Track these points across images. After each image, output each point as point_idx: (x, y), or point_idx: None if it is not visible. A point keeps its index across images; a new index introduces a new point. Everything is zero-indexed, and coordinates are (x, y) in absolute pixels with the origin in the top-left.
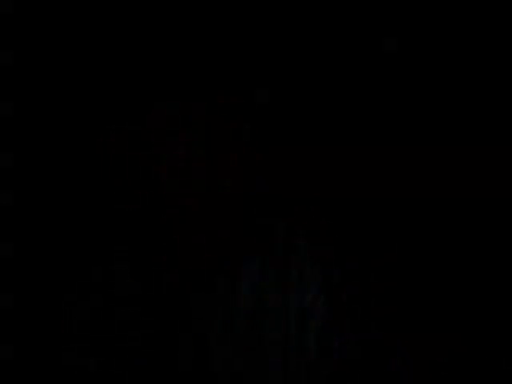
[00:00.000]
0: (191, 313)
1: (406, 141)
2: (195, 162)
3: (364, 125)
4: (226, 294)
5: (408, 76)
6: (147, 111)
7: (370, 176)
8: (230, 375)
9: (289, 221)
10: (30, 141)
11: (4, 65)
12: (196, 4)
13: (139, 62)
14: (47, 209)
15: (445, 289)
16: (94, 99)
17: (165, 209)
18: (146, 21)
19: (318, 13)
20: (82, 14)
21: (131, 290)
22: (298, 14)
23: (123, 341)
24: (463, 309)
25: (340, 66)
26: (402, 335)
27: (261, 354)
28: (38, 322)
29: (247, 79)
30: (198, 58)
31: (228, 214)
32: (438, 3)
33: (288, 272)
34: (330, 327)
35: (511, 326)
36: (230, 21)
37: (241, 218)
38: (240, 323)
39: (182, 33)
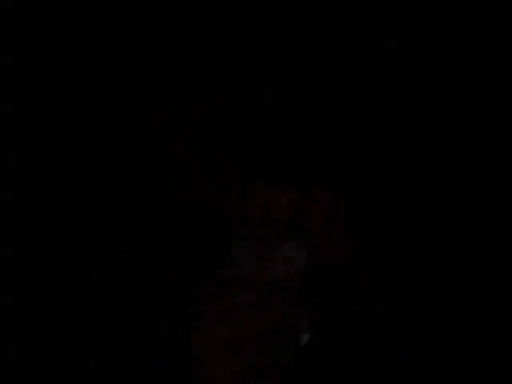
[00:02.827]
0: (191, 313)
1: (405, 141)
2: (195, 162)
3: (364, 125)
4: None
5: (408, 76)
6: (147, 111)
7: (370, 176)
8: (230, 376)
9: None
10: (30, 141)
11: (4, 65)
12: (196, 3)
13: (139, 62)
14: (47, 209)
15: (449, 290)
16: (93, 99)
17: (165, 209)
18: (146, 20)
19: (317, 13)
20: (82, 14)
21: (131, 290)
22: (297, 14)
23: (123, 341)
24: (468, 311)
25: (340, 65)
26: (405, 338)
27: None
28: (38, 321)
29: (247, 79)
30: (198, 57)
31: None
32: (438, 3)
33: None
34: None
35: None
36: (229, 20)
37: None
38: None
39: (181, 32)
